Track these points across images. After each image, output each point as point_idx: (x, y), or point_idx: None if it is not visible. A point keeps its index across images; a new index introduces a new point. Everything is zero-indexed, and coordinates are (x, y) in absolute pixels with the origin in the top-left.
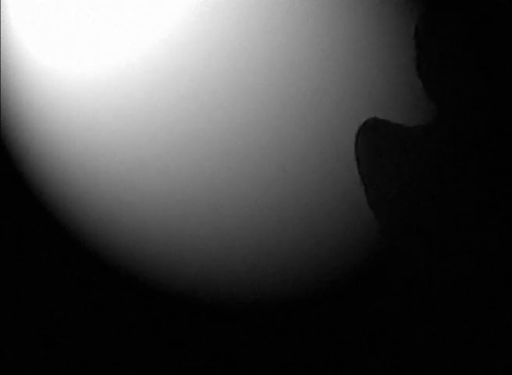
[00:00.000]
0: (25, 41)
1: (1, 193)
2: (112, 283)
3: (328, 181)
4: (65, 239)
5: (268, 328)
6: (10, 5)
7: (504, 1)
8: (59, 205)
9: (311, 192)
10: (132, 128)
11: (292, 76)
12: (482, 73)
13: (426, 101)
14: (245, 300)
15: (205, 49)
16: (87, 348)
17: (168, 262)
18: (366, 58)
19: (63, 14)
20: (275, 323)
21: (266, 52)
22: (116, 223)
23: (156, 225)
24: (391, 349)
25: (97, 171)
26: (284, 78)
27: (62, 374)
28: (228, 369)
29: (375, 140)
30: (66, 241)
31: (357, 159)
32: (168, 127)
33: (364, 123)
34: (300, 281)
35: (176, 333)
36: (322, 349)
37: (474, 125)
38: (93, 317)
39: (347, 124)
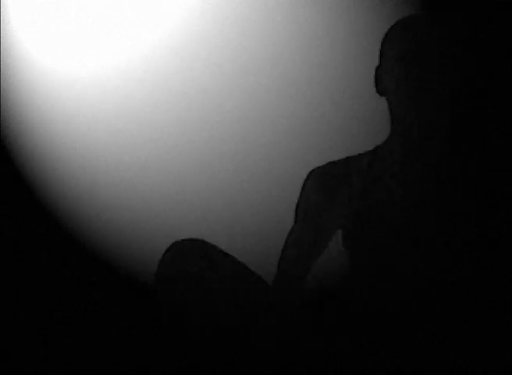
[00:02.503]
0: (25, 41)
1: (1, 193)
2: (112, 283)
3: None
4: (65, 239)
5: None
6: (10, 5)
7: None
8: (59, 205)
9: None
10: (132, 128)
11: (292, 75)
12: (482, 73)
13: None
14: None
15: (205, 49)
16: (87, 348)
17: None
18: (366, 58)
19: (63, 14)
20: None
21: (266, 52)
22: (116, 222)
23: (156, 224)
24: (390, 349)
25: (96, 171)
26: (284, 78)
27: (62, 374)
28: (228, 369)
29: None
30: (66, 241)
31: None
32: (168, 127)
33: (312, 172)
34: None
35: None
36: (321, 349)
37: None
38: (93, 317)
39: (347, 123)
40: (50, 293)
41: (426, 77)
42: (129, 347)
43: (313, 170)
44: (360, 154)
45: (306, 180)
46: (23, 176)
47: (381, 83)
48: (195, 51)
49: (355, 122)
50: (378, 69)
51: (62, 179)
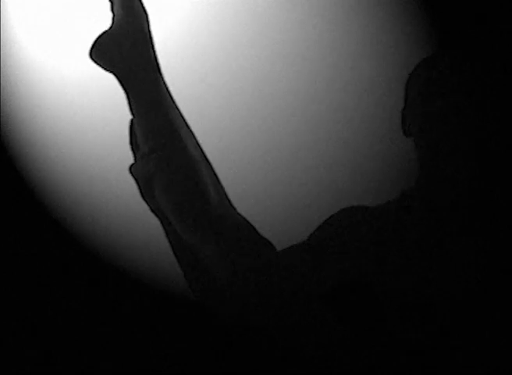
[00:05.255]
0: (25, 41)
1: (1, 193)
2: (112, 283)
3: (329, 181)
4: (65, 239)
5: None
6: (10, 5)
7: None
8: (59, 204)
9: (311, 194)
10: None
11: (293, 75)
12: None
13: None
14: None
15: (206, 48)
16: (87, 348)
17: (167, 261)
18: (367, 59)
19: (63, 14)
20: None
21: (267, 51)
22: (115, 222)
23: (154, 224)
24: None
25: (97, 170)
26: (285, 77)
27: (61, 374)
28: (227, 370)
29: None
30: (66, 241)
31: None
32: None
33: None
34: None
35: (176, 333)
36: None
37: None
38: (93, 317)
39: (347, 122)
40: (50, 293)
41: (452, 120)
42: (129, 347)
43: (352, 207)
44: (387, 202)
45: (342, 210)
46: (23, 176)
47: (406, 125)
48: (195, 50)
49: (356, 121)
50: (403, 110)
51: (62, 178)
